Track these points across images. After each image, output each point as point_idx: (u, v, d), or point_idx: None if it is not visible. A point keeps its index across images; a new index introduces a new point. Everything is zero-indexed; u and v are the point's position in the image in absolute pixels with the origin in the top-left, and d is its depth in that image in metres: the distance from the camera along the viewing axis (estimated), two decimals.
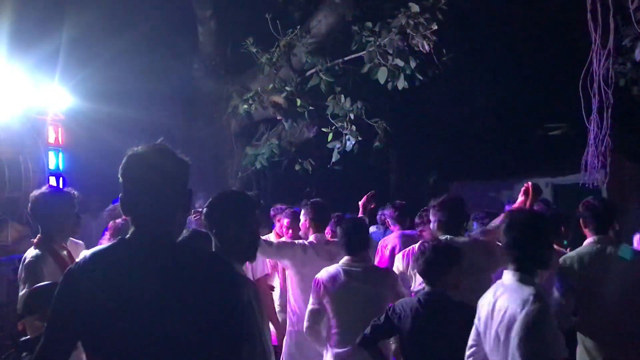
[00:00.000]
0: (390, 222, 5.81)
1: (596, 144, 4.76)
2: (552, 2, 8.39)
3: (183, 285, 1.72)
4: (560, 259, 3.87)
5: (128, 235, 1.85)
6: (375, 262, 5.15)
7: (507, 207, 6.83)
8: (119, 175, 1.84)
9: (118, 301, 1.70)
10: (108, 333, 1.71)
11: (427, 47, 6.17)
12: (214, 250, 2.54)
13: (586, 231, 3.89)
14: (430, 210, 3.93)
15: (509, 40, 9.35)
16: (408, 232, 5.63)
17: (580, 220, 3.94)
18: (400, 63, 6.33)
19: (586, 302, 3.71)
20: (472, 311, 2.99)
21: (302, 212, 4.62)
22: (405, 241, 5.26)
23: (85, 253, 4.67)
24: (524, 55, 9.50)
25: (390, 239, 5.50)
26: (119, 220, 4.68)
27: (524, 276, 2.60)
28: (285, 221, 5.18)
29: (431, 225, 3.95)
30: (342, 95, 6.77)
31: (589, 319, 3.71)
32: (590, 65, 4.68)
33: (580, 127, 4.90)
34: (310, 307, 3.76)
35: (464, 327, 2.92)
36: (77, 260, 1.94)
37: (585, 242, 3.88)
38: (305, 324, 3.77)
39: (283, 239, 5.00)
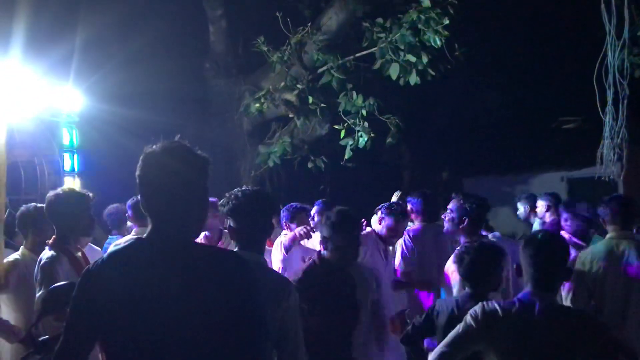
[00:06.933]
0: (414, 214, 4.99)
1: (612, 136, 4.70)
2: None
3: (201, 284, 1.73)
4: (579, 255, 3.87)
5: (146, 235, 1.86)
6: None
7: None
8: (137, 175, 1.84)
9: (136, 300, 1.71)
10: (126, 332, 1.72)
11: (438, 42, 6.14)
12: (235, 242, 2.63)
13: (608, 227, 3.88)
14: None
15: (522, 33, 9.27)
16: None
17: (601, 217, 3.93)
18: (412, 59, 6.29)
19: (598, 296, 3.73)
20: None
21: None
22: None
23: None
24: (537, 48, 9.41)
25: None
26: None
27: None
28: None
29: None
30: (354, 92, 6.75)
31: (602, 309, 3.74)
32: (605, 57, 4.62)
33: (595, 120, 4.85)
34: None
35: None
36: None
37: (606, 237, 3.88)
38: None
39: None
